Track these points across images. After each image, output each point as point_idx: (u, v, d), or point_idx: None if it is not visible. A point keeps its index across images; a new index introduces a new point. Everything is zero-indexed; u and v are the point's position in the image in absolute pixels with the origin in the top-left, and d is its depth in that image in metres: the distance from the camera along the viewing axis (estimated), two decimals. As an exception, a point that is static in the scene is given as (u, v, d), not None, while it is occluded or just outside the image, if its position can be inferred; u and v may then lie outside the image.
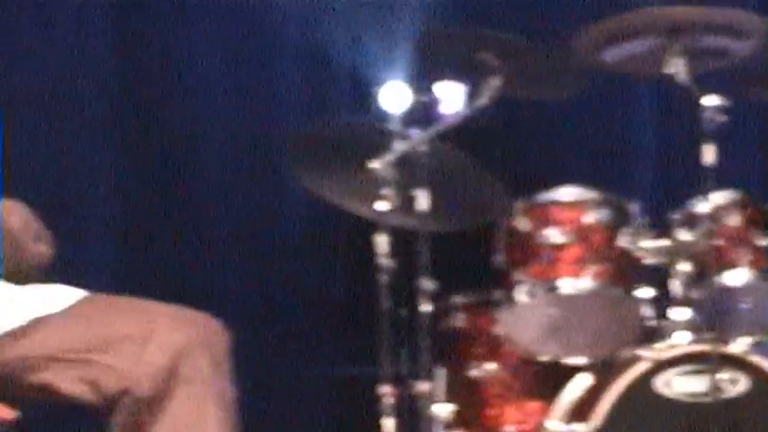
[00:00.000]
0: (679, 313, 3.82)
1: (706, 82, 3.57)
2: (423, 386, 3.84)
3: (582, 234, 3.89)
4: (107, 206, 4.26)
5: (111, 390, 2.82)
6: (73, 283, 2.90)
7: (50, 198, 3.68)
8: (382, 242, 3.72)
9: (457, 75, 3.64)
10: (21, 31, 4.24)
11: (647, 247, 3.90)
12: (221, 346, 2.89)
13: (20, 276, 2.97)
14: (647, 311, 3.90)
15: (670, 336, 3.77)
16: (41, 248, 3.00)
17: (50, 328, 2.83)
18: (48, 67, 4.22)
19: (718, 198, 3.80)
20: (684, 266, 3.83)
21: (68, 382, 2.85)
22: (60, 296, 2.85)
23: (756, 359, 3.69)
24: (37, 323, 2.81)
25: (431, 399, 3.94)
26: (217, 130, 4.27)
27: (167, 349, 2.84)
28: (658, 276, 3.93)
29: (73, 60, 4.24)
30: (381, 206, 3.70)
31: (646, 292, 3.90)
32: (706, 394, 3.64)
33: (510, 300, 3.91)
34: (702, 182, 3.67)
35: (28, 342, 2.85)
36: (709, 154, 3.55)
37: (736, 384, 3.66)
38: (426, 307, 3.76)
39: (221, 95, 4.31)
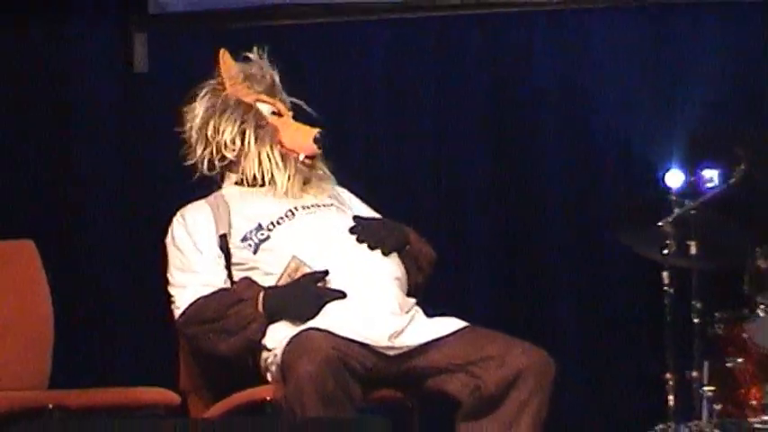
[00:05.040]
0: None
1: None
2: (694, 374, 4.59)
3: (802, 268, 4.53)
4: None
5: (482, 392, 3.45)
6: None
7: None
8: (666, 276, 4.54)
9: (717, 161, 4.48)
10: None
11: None
12: (549, 374, 3.49)
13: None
14: None
15: None
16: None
17: (446, 347, 3.49)
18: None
19: None
20: None
21: (454, 386, 3.51)
22: (451, 323, 3.55)
23: None
24: (437, 341, 3.49)
25: (700, 382, 4.57)
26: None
27: (513, 368, 3.44)
28: None
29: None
30: (667, 251, 4.49)
31: None
32: None
33: (754, 315, 4.58)
34: None
35: (431, 354, 3.49)
36: None
37: None
38: (696, 320, 4.55)
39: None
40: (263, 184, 3.70)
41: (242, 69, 3.77)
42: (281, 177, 3.64)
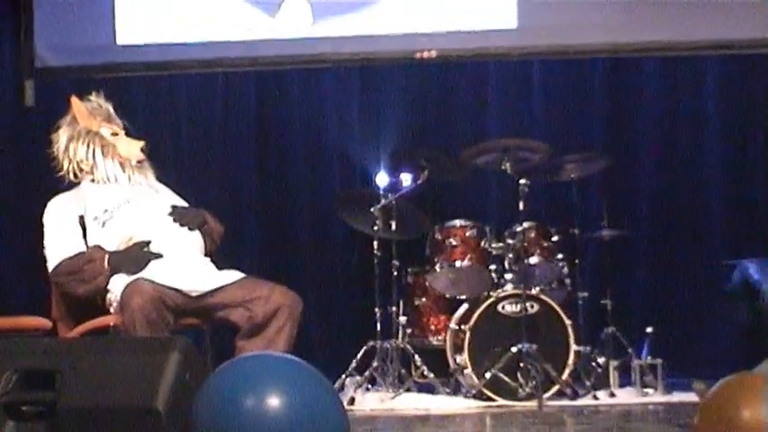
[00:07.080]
0: (508, 276, 5.55)
1: (521, 172, 5.36)
2: (394, 308, 5.64)
3: (465, 241, 5.63)
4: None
5: (254, 320, 4.09)
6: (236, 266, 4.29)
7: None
8: (376, 244, 5.62)
9: (409, 169, 5.52)
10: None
11: (495, 246, 5.62)
12: (298, 308, 4.12)
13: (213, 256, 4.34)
14: (494, 275, 5.65)
15: (504, 285, 5.57)
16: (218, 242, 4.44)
17: (230, 290, 4.16)
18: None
19: (527, 225, 5.53)
20: (511, 255, 5.59)
21: (235, 316, 4.14)
22: (234, 275, 4.22)
23: (542, 296, 5.39)
24: (224, 287, 4.19)
25: (397, 314, 5.59)
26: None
27: (275, 304, 4.05)
28: (500, 259, 5.67)
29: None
30: (376, 227, 5.60)
31: (494, 267, 5.67)
32: (520, 312, 5.36)
33: (432, 269, 5.66)
34: (519, 217, 5.42)
35: (220, 295, 4.16)
36: (521, 205, 5.30)
37: (533, 308, 5.39)
38: (395, 272, 5.59)
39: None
40: (108, 181, 4.39)
41: (87, 106, 4.45)
42: (121, 177, 4.38)
